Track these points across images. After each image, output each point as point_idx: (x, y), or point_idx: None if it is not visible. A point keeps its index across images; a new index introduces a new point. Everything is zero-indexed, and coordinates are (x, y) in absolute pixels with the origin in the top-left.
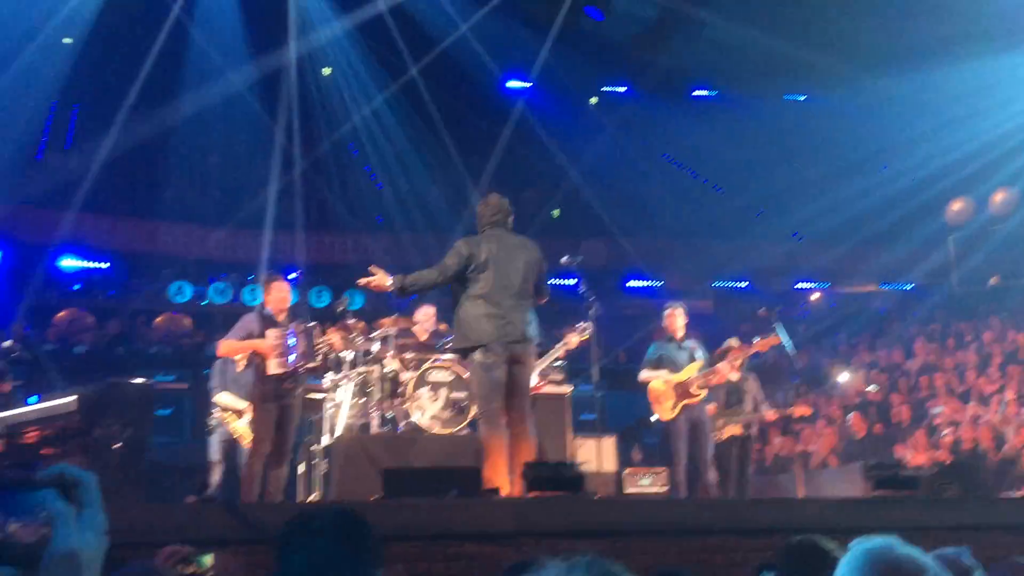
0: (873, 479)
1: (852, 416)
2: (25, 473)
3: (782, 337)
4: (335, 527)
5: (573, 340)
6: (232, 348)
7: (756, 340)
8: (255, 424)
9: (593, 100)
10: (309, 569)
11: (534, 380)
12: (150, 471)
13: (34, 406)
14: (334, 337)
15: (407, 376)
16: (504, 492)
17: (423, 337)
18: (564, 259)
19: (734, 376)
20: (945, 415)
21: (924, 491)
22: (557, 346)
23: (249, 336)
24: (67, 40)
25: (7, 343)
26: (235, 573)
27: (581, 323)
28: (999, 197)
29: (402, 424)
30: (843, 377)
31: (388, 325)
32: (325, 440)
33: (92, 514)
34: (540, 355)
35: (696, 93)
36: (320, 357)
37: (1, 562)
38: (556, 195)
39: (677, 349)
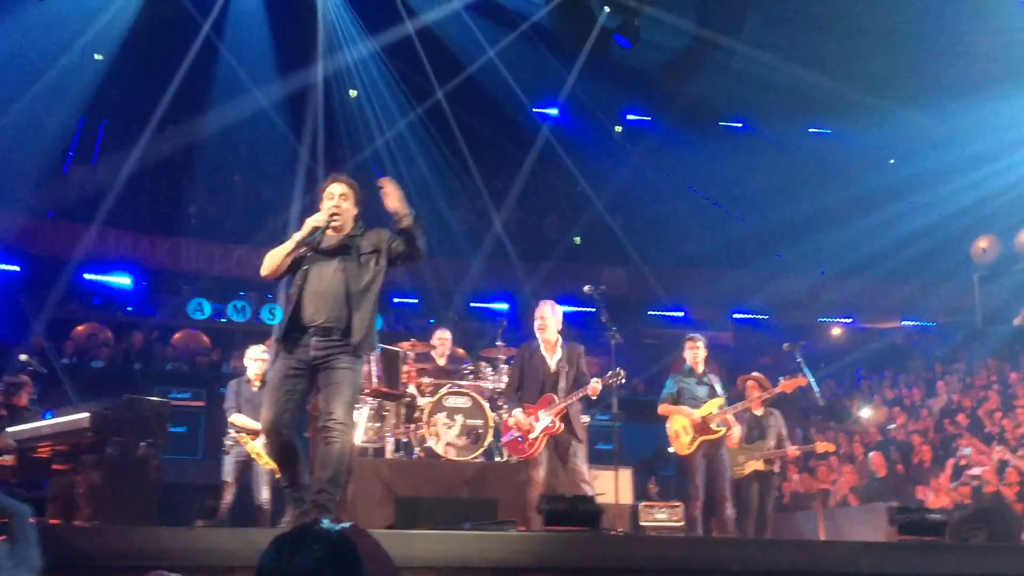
0: (898, 523)
1: (873, 455)
2: None
3: (808, 377)
4: (322, 550)
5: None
6: None
7: (781, 380)
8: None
9: (618, 129)
10: None
11: None
12: (163, 489)
13: (48, 421)
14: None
15: (424, 401)
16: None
17: (441, 362)
18: (586, 288)
19: (758, 411)
20: (971, 457)
21: (951, 537)
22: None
23: None
24: (98, 56)
25: (23, 356)
26: None
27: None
28: None
29: (417, 450)
30: (865, 413)
31: (406, 348)
32: None
33: (25, 550)
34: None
35: (722, 124)
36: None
37: None
38: (578, 222)
39: (696, 384)
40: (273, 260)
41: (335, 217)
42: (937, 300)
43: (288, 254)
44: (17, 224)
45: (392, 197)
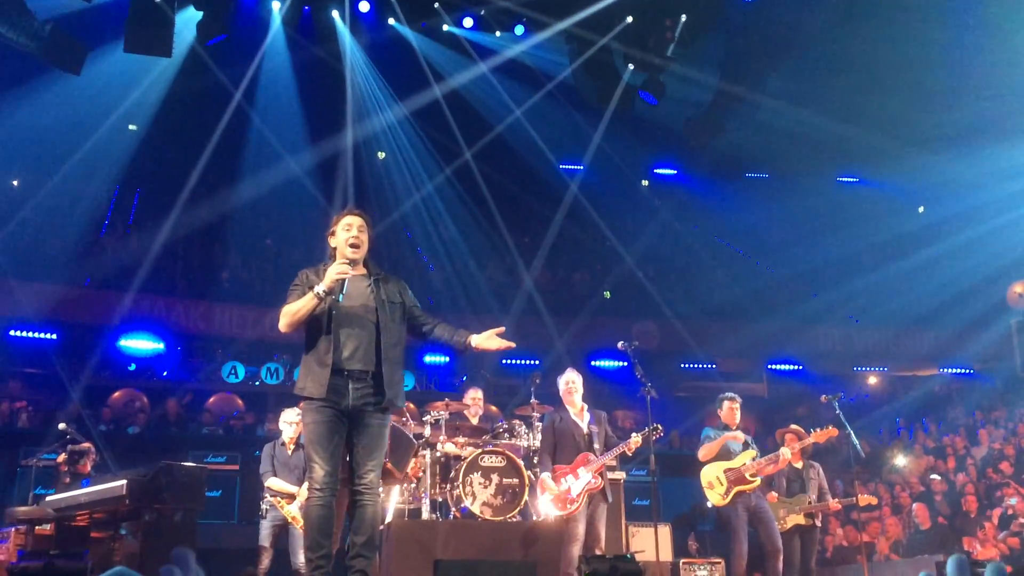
0: None
1: (916, 507)
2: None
3: (847, 429)
4: None
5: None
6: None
7: (815, 431)
8: None
9: (644, 183)
10: None
11: None
12: (199, 554)
13: (85, 489)
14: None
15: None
16: None
17: (474, 421)
18: (620, 344)
19: (798, 464)
20: (1018, 507)
21: None
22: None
23: None
24: (132, 127)
25: (62, 425)
26: None
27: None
28: None
29: (452, 510)
30: (900, 462)
31: (440, 408)
32: None
33: None
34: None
35: (749, 175)
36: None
37: None
38: (608, 276)
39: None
40: (295, 316)
41: (355, 250)
42: (974, 347)
43: (310, 311)
44: (55, 293)
45: (496, 344)
